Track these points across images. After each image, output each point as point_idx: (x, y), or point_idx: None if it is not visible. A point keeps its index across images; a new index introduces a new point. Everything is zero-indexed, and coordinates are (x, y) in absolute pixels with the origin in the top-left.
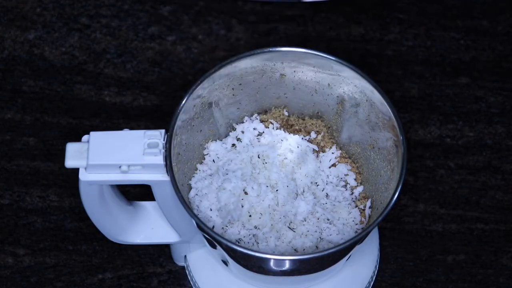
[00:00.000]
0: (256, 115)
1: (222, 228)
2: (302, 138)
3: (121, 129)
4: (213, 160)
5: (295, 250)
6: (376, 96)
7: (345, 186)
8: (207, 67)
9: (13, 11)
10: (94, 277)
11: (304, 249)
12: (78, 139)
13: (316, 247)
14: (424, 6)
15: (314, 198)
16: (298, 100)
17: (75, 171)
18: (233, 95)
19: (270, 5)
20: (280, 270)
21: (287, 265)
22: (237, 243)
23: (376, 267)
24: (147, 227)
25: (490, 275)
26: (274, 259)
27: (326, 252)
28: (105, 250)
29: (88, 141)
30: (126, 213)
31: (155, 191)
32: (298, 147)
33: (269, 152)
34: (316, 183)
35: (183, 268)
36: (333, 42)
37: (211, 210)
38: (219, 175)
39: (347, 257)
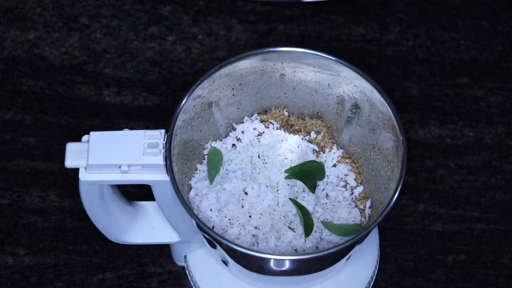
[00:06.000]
0: (256, 115)
1: (222, 228)
2: (302, 138)
3: (121, 129)
4: None
5: (295, 250)
6: (376, 96)
7: (345, 186)
8: (207, 67)
9: (13, 11)
10: (94, 277)
11: (304, 249)
12: (78, 139)
13: (316, 247)
14: (424, 6)
15: (314, 198)
16: (298, 100)
17: (75, 171)
18: (233, 95)
19: (270, 5)
20: (280, 270)
21: (287, 265)
22: (237, 243)
23: (376, 267)
24: (147, 227)
25: (490, 275)
26: (274, 259)
27: (326, 252)
28: (105, 250)
29: (88, 141)
30: (126, 213)
31: (155, 191)
32: (298, 147)
33: (269, 152)
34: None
35: (183, 268)
36: (333, 42)
37: (211, 210)
38: (219, 175)
39: (347, 257)
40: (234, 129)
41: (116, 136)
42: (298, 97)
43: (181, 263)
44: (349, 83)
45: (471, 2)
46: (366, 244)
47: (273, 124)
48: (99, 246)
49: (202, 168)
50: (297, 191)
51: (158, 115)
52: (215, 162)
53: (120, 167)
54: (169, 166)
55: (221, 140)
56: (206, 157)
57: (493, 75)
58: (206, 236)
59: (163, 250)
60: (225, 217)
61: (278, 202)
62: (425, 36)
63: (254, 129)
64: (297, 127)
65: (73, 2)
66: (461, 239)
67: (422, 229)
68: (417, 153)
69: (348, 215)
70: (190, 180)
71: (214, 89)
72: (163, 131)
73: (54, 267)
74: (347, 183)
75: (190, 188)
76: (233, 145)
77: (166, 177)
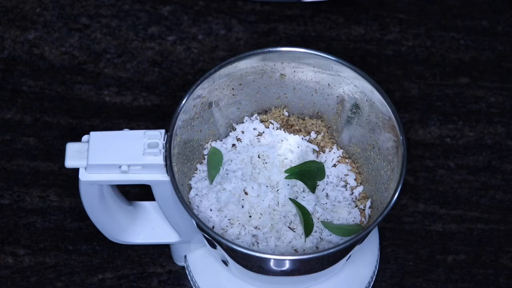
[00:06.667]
0: (256, 115)
1: (222, 228)
2: (302, 138)
3: (121, 129)
4: None
5: (295, 250)
6: (376, 96)
7: (345, 186)
8: (207, 67)
9: (13, 11)
10: (94, 277)
11: (304, 249)
12: (78, 139)
13: (316, 247)
14: (424, 6)
15: (314, 198)
16: (298, 100)
17: (75, 171)
18: (233, 95)
19: (270, 5)
20: (280, 270)
21: (287, 265)
22: (237, 243)
23: (376, 267)
24: (147, 227)
25: (490, 275)
26: (274, 259)
27: (326, 252)
28: (105, 250)
29: (88, 141)
30: (126, 213)
31: (155, 191)
32: (298, 147)
33: (269, 152)
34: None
35: (183, 268)
36: (333, 42)
37: (211, 210)
38: (219, 175)
39: (347, 257)
40: (234, 129)
41: (116, 136)
42: (298, 97)
43: (181, 263)
44: (349, 83)
45: (471, 2)
46: (366, 244)
47: (273, 124)
48: (99, 246)
49: (202, 168)
50: (297, 191)
51: (158, 115)
52: (215, 162)
53: (120, 167)
54: (169, 166)
55: (221, 140)
56: (206, 157)
57: (493, 75)
58: (206, 236)
59: (163, 250)
60: (225, 217)
61: (278, 202)
62: (425, 36)
63: (254, 129)
64: (297, 127)
65: (73, 2)
66: (461, 239)
67: (422, 229)
68: (417, 153)
69: (348, 215)
70: (190, 180)
71: (214, 89)
72: (163, 131)
73: (54, 267)
74: (347, 183)
75: (190, 188)
76: (233, 145)
77: (166, 177)
